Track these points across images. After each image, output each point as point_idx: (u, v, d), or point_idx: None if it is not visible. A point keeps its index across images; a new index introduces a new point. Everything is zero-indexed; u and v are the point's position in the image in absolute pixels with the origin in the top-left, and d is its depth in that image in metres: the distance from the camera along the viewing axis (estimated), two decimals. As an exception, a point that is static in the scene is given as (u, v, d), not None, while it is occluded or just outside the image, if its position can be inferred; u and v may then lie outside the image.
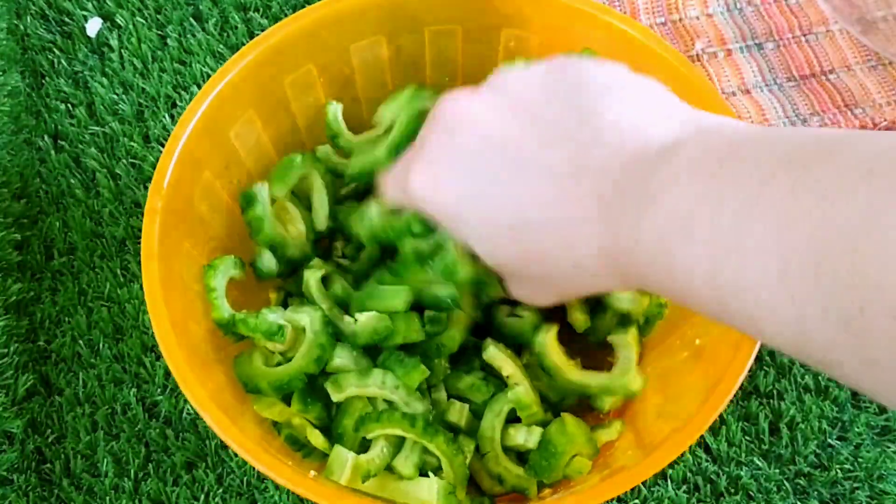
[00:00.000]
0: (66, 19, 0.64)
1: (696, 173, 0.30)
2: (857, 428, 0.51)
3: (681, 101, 0.36)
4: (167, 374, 0.52)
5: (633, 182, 0.32)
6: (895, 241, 0.23)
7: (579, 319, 0.46)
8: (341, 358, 0.42)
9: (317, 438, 0.42)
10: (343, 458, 0.40)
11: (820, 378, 0.52)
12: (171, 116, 0.60)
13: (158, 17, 0.63)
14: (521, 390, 0.43)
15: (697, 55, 0.61)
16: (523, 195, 0.35)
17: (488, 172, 0.35)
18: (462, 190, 0.36)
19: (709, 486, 0.50)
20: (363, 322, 0.42)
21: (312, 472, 0.38)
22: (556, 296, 0.40)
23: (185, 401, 0.50)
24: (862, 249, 0.24)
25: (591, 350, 0.46)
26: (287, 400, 0.42)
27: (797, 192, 0.27)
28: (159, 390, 0.52)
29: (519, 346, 0.45)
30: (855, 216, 0.24)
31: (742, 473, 0.50)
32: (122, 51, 0.62)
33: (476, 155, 0.36)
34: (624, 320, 0.46)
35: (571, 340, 0.45)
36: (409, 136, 0.42)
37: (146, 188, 0.56)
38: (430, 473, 0.42)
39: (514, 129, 0.35)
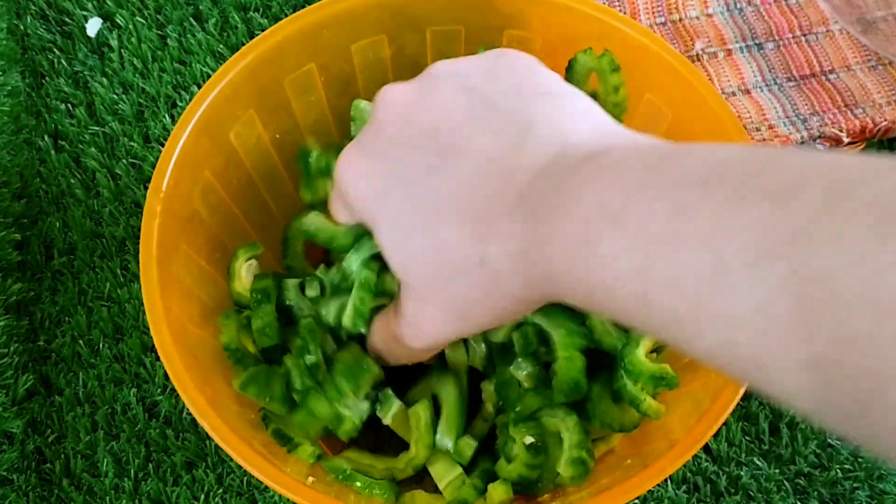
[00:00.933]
0: (66, 19, 0.64)
1: (625, 172, 0.29)
2: (857, 428, 0.51)
3: (609, 117, 0.36)
4: (167, 374, 0.52)
5: (554, 177, 0.31)
6: (830, 249, 0.22)
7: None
8: None
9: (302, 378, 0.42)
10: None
11: (820, 378, 0.52)
12: (171, 116, 0.60)
13: (158, 17, 0.63)
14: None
15: (697, 55, 0.61)
16: (442, 189, 0.34)
17: (413, 166, 0.34)
18: (385, 181, 0.35)
19: (709, 486, 0.50)
20: None
21: (311, 479, 0.38)
22: (455, 320, 0.37)
23: (186, 401, 0.50)
24: (802, 255, 0.23)
25: None
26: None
27: (740, 192, 0.26)
28: (159, 390, 0.52)
29: None
30: (802, 222, 0.23)
31: (742, 473, 0.50)
32: (122, 51, 0.62)
33: (402, 149, 0.35)
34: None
35: None
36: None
37: (146, 188, 0.56)
38: None
39: (442, 123, 0.34)
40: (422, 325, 0.38)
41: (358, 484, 0.41)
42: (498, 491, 0.41)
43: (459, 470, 0.42)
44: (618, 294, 0.29)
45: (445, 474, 0.42)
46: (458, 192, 0.33)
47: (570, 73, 0.46)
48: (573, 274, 0.30)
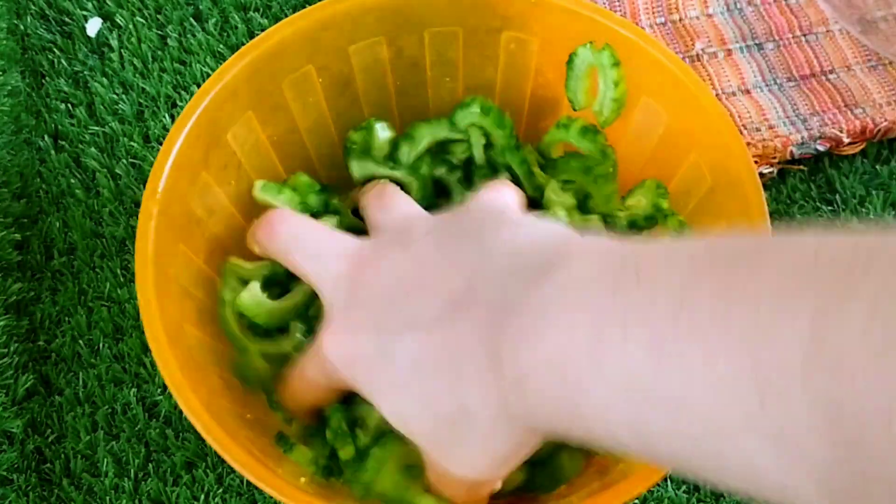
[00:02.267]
0: (66, 19, 0.64)
1: (587, 297, 0.28)
2: (856, 429, 0.51)
3: (565, 226, 0.36)
4: (164, 373, 0.52)
5: (510, 308, 0.31)
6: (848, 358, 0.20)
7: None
8: None
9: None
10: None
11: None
12: (171, 116, 0.60)
13: (158, 17, 0.63)
14: None
15: (697, 55, 0.61)
16: (414, 350, 0.34)
17: (387, 334, 0.35)
18: (368, 355, 0.36)
19: (708, 486, 0.50)
20: None
21: (303, 479, 0.39)
22: (472, 468, 0.37)
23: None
24: (811, 372, 0.21)
25: None
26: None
27: (719, 307, 0.24)
28: (159, 390, 0.52)
29: None
30: (802, 330, 0.21)
31: (740, 474, 0.50)
32: (122, 51, 0.62)
33: (377, 319, 0.36)
34: None
35: None
36: None
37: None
38: None
39: (408, 285, 0.36)
40: (442, 484, 0.38)
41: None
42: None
43: None
44: (610, 441, 0.29)
45: None
46: (425, 350, 0.34)
47: (570, 68, 0.46)
48: (554, 415, 0.30)
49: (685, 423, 0.25)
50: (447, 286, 0.34)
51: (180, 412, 0.51)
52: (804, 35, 0.62)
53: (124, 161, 0.58)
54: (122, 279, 0.55)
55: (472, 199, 0.40)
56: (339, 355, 0.38)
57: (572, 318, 0.28)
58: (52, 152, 0.59)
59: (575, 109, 0.47)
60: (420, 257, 0.37)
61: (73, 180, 0.58)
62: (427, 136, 0.48)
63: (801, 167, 0.58)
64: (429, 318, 0.34)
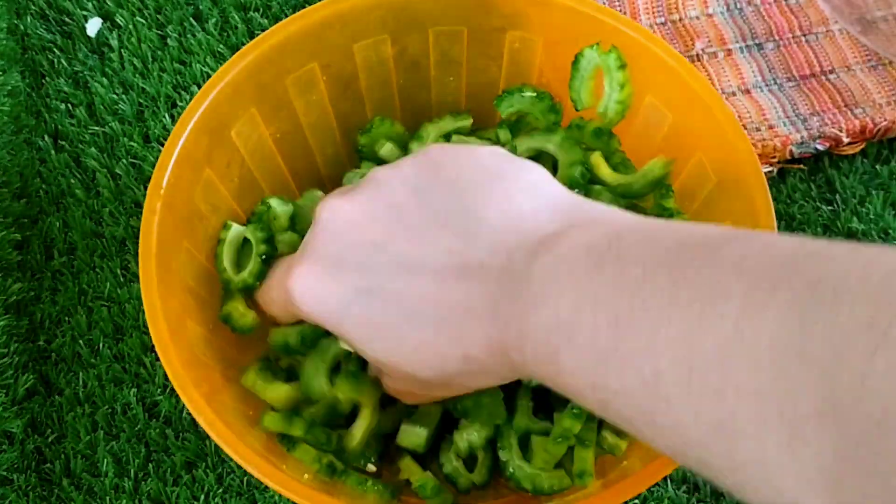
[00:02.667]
0: (66, 19, 0.64)
1: (575, 274, 0.31)
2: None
3: (561, 188, 0.36)
4: (167, 372, 0.52)
5: (515, 277, 0.33)
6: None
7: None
8: None
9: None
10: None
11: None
12: (171, 116, 0.60)
13: (158, 17, 0.63)
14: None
15: (697, 55, 0.62)
16: (407, 296, 0.35)
17: (371, 276, 0.35)
18: (344, 294, 0.36)
19: (709, 485, 0.50)
20: None
21: (305, 476, 0.39)
22: (441, 393, 0.40)
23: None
24: (729, 362, 0.25)
25: None
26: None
27: (672, 294, 0.27)
28: (159, 390, 0.52)
29: None
30: (726, 325, 0.25)
31: (743, 473, 0.50)
32: (122, 51, 0.62)
33: (358, 258, 0.36)
34: None
35: None
36: None
37: (146, 188, 0.56)
38: None
39: (394, 229, 0.35)
40: (410, 397, 0.41)
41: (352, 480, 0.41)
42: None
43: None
44: (582, 398, 0.31)
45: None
46: (424, 300, 0.34)
47: (576, 68, 0.46)
48: (543, 373, 0.33)
49: (635, 390, 0.28)
50: (443, 242, 0.34)
51: (180, 412, 0.51)
52: (804, 35, 0.63)
53: (124, 161, 0.58)
54: (122, 279, 0.55)
55: (433, 150, 0.39)
56: (311, 295, 0.37)
57: (561, 289, 0.31)
58: (52, 152, 0.59)
59: (577, 110, 0.47)
60: (397, 202, 0.36)
61: (73, 180, 0.58)
62: (433, 131, 0.48)
63: (801, 167, 0.58)
64: (429, 268, 0.34)
